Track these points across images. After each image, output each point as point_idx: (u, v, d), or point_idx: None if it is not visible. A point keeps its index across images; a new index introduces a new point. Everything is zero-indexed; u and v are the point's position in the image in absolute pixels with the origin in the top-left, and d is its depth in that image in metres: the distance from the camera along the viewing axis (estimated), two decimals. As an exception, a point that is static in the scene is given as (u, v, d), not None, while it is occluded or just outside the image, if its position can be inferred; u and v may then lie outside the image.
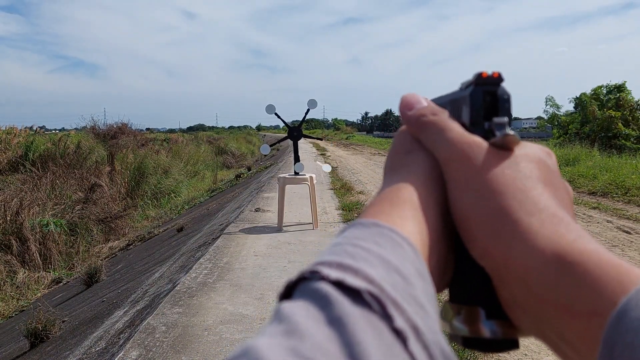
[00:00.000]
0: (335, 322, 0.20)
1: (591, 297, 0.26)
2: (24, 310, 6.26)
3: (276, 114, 5.61)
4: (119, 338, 3.05)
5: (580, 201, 7.73)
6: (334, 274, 0.22)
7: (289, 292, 0.24)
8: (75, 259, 8.35)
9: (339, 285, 0.22)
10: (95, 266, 6.19)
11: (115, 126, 22.29)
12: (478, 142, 0.33)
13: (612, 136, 18.48)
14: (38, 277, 7.41)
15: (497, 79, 0.35)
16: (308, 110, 5.63)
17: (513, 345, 0.32)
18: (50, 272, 7.76)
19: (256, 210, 6.69)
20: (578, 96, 21.92)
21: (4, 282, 7.03)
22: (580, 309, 0.26)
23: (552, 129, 24.23)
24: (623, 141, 18.07)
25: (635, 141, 18.53)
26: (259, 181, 11.04)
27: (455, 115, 0.36)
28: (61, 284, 7.30)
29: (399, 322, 0.21)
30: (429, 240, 0.30)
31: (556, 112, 24.01)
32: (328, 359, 0.18)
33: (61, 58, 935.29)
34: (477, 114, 0.35)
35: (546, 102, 24.68)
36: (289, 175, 5.71)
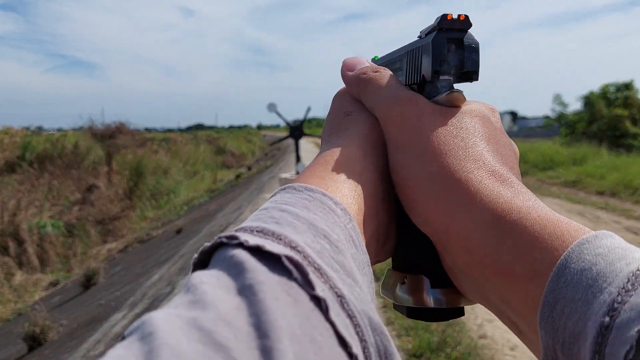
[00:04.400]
0: (246, 291, 0.19)
1: (531, 257, 0.25)
2: (21, 313, 6.19)
3: (277, 112, 5.55)
4: (117, 341, 2.97)
5: (587, 201, 7.62)
6: (253, 240, 0.21)
7: (205, 260, 0.22)
8: (72, 261, 8.28)
9: (258, 251, 0.20)
10: (93, 268, 6.13)
11: (113, 126, 22.10)
12: (419, 99, 0.31)
13: (620, 135, 18.23)
14: (36, 279, 7.35)
15: (463, 23, 0.30)
16: (309, 109, 5.64)
17: (458, 313, 0.31)
18: (47, 275, 7.69)
19: (257, 211, 6.65)
20: (586, 94, 21.69)
21: (1, 285, 6.96)
22: (521, 271, 0.25)
23: (560, 128, 24.00)
24: (631, 140, 17.83)
25: (643, 140, 18.30)
26: (260, 181, 10.99)
27: (414, 68, 0.31)
28: (59, 286, 7.23)
29: (320, 290, 0.20)
30: (365, 206, 0.28)
31: (563, 110, 23.80)
32: (230, 330, 0.17)
33: (58, 57, 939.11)
34: (440, 64, 0.30)
35: (554, 100, 24.52)
36: (290, 175, 5.65)
